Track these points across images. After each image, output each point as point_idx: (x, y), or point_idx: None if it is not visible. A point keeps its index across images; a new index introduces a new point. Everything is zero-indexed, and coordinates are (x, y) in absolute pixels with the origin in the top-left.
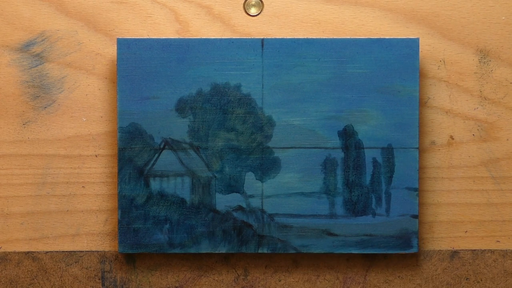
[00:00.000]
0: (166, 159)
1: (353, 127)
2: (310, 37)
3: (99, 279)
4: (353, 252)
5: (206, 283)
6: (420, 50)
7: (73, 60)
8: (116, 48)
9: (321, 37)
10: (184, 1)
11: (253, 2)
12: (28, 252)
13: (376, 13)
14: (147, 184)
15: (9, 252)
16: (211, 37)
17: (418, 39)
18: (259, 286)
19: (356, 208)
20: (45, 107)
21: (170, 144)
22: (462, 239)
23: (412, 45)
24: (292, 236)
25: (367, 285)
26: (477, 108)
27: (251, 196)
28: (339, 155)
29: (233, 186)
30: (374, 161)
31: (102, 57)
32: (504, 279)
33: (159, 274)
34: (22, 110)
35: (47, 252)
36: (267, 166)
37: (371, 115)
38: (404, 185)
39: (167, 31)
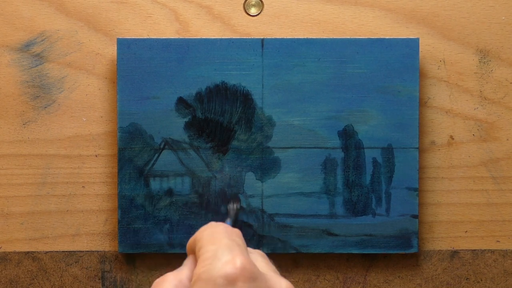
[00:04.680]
0: (166, 159)
1: (353, 127)
2: (310, 37)
3: (99, 279)
4: (353, 252)
5: None
6: (420, 50)
7: (73, 60)
8: (116, 48)
9: (321, 37)
10: (184, 1)
11: (253, 2)
12: (28, 252)
13: (376, 13)
14: (147, 184)
15: (9, 252)
16: (211, 37)
17: (418, 39)
18: None
19: (356, 208)
20: (45, 107)
21: (170, 144)
22: (462, 239)
23: (412, 45)
24: (292, 236)
25: (367, 285)
26: (477, 108)
27: (251, 196)
28: (339, 155)
29: (233, 186)
30: (374, 161)
31: (102, 57)
32: (504, 279)
33: (159, 274)
34: (22, 110)
35: (47, 252)
36: (267, 166)
37: (371, 115)
38: (404, 185)
39: (167, 31)
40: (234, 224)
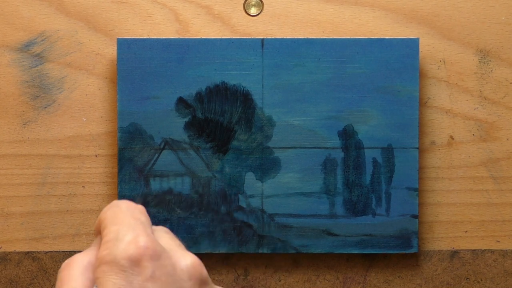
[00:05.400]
0: (166, 159)
1: (353, 127)
2: (310, 37)
3: None
4: (353, 252)
5: None
6: (420, 50)
7: (73, 60)
8: (116, 48)
9: (321, 37)
10: (184, 1)
11: (253, 2)
12: (28, 252)
13: (376, 13)
14: (147, 184)
15: (9, 252)
16: (211, 37)
17: (418, 39)
18: (259, 286)
19: (356, 208)
20: (45, 107)
21: (170, 144)
22: (462, 239)
23: (412, 45)
24: (292, 236)
25: (367, 285)
26: (477, 108)
27: (251, 196)
28: (339, 155)
29: (233, 186)
30: (374, 161)
31: (102, 57)
32: (504, 279)
33: None
34: (22, 110)
35: (47, 252)
36: (267, 166)
37: (371, 115)
38: (404, 185)
39: (167, 31)
40: None
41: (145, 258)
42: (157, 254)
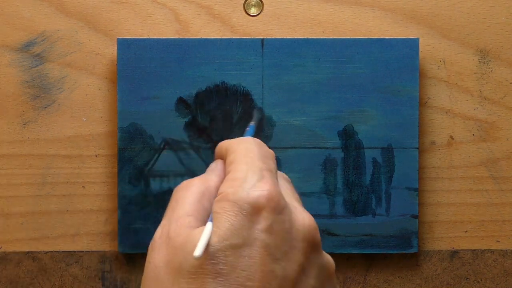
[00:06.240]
0: (166, 159)
1: (353, 127)
2: (310, 37)
3: (99, 279)
4: (353, 252)
5: None
6: (420, 50)
7: (73, 60)
8: (116, 48)
9: (321, 37)
10: (184, 1)
11: (253, 2)
12: (28, 252)
13: (376, 13)
14: (147, 184)
15: (9, 252)
16: (211, 37)
17: (418, 39)
18: None
19: (356, 208)
20: (45, 107)
21: (170, 144)
22: (462, 239)
23: (412, 45)
24: None
25: (367, 285)
26: (477, 108)
27: None
28: (339, 155)
29: None
30: (374, 161)
31: (102, 57)
32: (504, 279)
33: None
34: (22, 110)
35: (47, 252)
36: None
37: (371, 115)
38: (404, 185)
39: (167, 31)
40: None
41: (268, 209)
42: (280, 208)
